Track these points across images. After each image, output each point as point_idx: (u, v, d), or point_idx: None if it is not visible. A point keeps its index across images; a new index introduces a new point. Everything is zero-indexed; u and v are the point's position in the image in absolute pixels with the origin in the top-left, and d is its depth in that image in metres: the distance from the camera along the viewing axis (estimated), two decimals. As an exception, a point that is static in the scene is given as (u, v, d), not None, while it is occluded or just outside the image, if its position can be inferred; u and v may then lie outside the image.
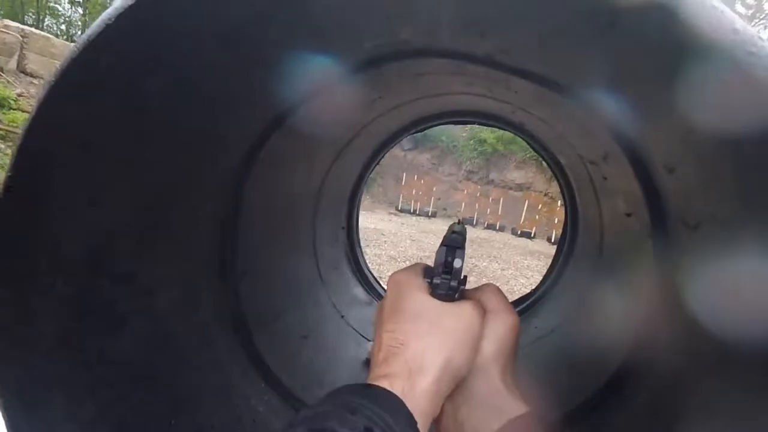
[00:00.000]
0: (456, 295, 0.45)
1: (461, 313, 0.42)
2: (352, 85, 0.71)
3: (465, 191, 11.46)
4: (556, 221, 9.63)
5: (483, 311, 0.43)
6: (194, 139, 0.61)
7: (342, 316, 1.06)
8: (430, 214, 11.31)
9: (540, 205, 10.25)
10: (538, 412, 0.41)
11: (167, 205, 0.61)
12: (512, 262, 7.63)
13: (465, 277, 0.47)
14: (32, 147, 0.40)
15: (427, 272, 0.48)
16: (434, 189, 11.51)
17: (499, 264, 7.32)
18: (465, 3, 0.43)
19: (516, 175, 11.80)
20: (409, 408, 0.33)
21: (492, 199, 11.01)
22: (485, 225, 10.68)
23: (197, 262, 0.69)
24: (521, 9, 0.44)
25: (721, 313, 0.43)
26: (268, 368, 0.72)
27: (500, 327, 0.43)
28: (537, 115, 0.86)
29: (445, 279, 0.45)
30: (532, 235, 10.04)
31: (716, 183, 0.41)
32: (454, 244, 0.48)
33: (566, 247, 1.12)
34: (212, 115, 0.62)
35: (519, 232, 10.20)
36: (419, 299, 0.43)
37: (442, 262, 0.47)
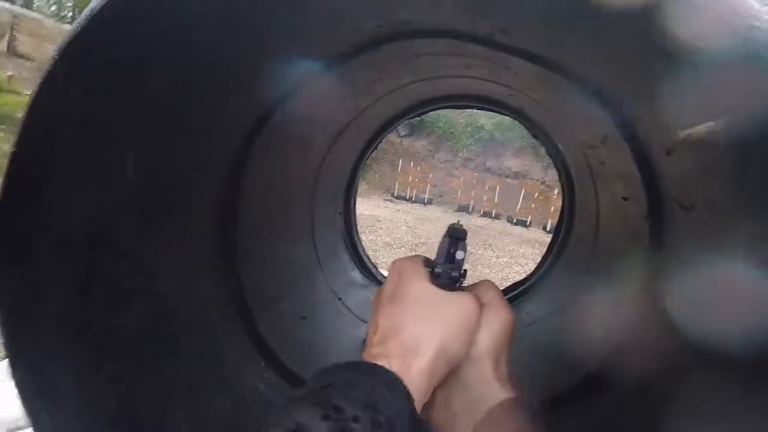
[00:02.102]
0: (456, 285, 0.46)
1: (459, 302, 0.42)
2: (350, 67, 0.71)
3: (461, 178, 11.44)
4: (552, 210, 9.66)
5: (480, 304, 0.44)
6: (194, 121, 0.61)
7: (339, 299, 1.07)
8: (426, 201, 11.29)
9: (536, 194, 10.26)
10: (522, 400, 0.42)
11: (168, 187, 0.62)
12: (507, 250, 7.67)
13: (465, 271, 0.48)
14: (35, 124, 0.40)
15: (429, 263, 0.48)
16: (430, 176, 11.47)
17: (494, 252, 7.36)
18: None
19: (513, 163, 11.80)
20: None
21: (488, 187, 11.01)
22: (481, 213, 10.70)
23: (199, 244, 0.69)
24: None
25: (710, 306, 0.44)
26: (269, 348, 0.73)
27: (496, 321, 0.44)
28: (536, 98, 0.86)
29: (446, 269, 0.46)
30: (528, 223, 10.08)
31: (712, 167, 0.41)
32: (457, 235, 0.49)
33: (562, 234, 1.13)
34: (212, 98, 0.62)
35: (515, 220, 10.23)
36: (420, 285, 0.43)
37: (444, 252, 0.47)
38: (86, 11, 0.38)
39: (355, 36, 0.62)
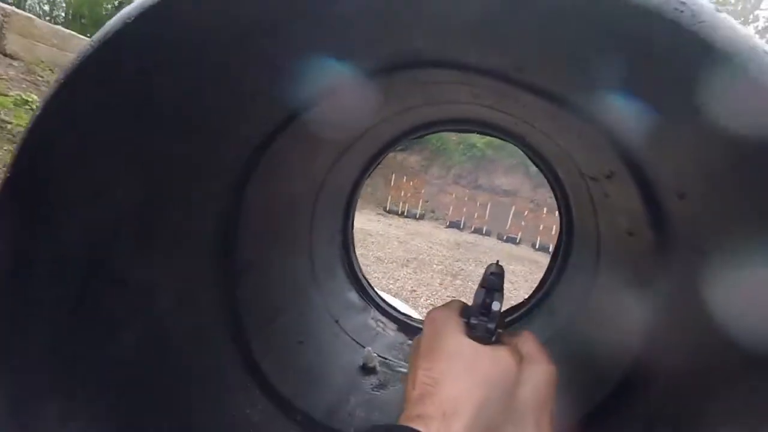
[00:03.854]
0: (493, 338, 0.44)
1: (498, 356, 0.41)
2: (361, 90, 0.71)
3: (453, 194, 11.51)
4: (540, 228, 9.75)
5: (519, 357, 0.42)
6: (200, 136, 0.60)
7: (336, 321, 1.05)
8: (417, 216, 11.33)
9: (526, 212, 10.36)
10: None
11: (169, 202, 0.60)
12: (498, 267, 7.69)
13: (503, 319, 0.46)
14: (38, 138, 0.39)
15: (465, 311, 0.47)
16: (423, 191, 11.53)
17: (483, 268, 7.37)
18: (490, 22, 0.42)
19: (504, 181, 11.92)
20: None
21: (479, 204, 11.08)
22: (472, 229, 10.75)
23: (197, 261, 0.67)
24: (545, 29, 0.44)
25: (729, 328, 0.43)
26: (264, 375, 0.71)
27: (537, 375, 0.42)
28: (541, 128, 0.87)
29: (482, 320, 0.44)
30: (518, 240, 10.15)
31: (730, 209, 0.41)
32: (493, 286, 0.48)
33: (560, 258, 1.13)
34: (220, 114, 0.61)
35: (505, 237, 10.30)
36: (456, 339, 0.42)
37: (480, 303, 0.46)
38: (102, 31, 0.37)
39: (367, 62, 0.61)
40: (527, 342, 0.45)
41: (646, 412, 0.57)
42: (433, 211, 11.92)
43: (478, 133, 1.21)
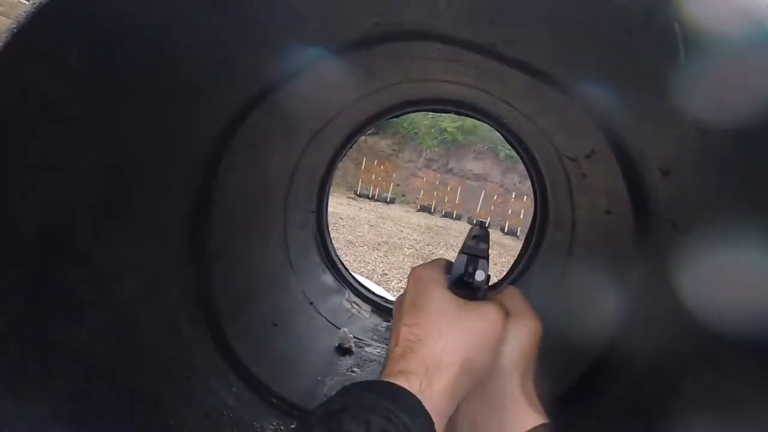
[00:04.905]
0: (479, 294, 0.42)
1: (483, 312, 0.40)
2: (341, 64, 0.67)
3: (424, 179, 11.57)
4: (509, 212, 9.96)
5: (505, 313, 0.41)
6: (171, 110, 0.55)
7: (311, 303, 1.03)
8: (388, 200, 11.33)
9: (495, 196, 10.54)
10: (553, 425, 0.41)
11: (136, 179, 0.55)
12: (467, 250, 7.81)
13: (488, 276, 0.44)
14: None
15: (449, 269, 0.44)
16: (393, 175, 11.52)
17: (455, 252, 7.45)
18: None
19: (474, 165, 12.05)
20: (426, 407, 0.32)
21: (450, 188, 11.19)
22: (443, 213, 10.86)
23: (166, 243, 0.63)
24: (538, 3, 0.42)
25: (707, 310, 0.44)
26: (238, 358, 0.68)
27: (522, 331, 0.42)
28: (521, 108, 0.86)
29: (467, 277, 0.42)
30: (487, 224, 10.32)
31: (718, 187, 0.41)
32: (475, 252, 0.43)
33: (534, 239, 1.14)
34: (192, 85, 0.56)
35: (474, 221, 10.46)
36: (440, 295, 0.41)
37: (461, 273, 0.42)
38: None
39: (350, 32, 0.58)
40: (513, 298, 0.45)
41: (621, 391, 0.58)
42: (403, 195, 11.96)
43: (454, 113, 1.19)
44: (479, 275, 0.41)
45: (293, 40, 0.54)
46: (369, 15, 0.53)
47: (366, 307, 1.21)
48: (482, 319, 0.39)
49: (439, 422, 0.33)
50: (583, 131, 0.68)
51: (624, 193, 0.61)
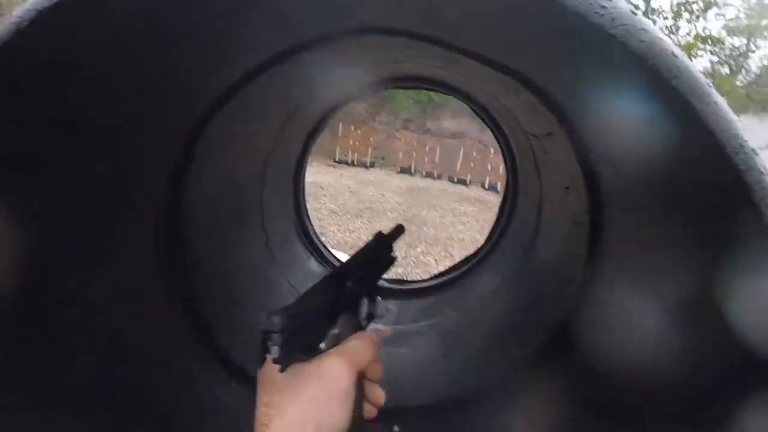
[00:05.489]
0: (316, 352, 0.40)
1: (319, 372, 0.39)
2: (302, 59, 0.68)
3: (402, 140, 11.48)
4: (489, 168, 10.04)
5: (352, 360, 0.40)
6: (127, 132, 0.55)
7: (293, 287, 1.07)
8: (368, 164, 11.25)
9: (474, 153, 10.57)
10: None
11: (105, 211, 0.56)
12: (450, 209, 7.91)
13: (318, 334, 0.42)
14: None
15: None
16: (371, 139, 11.39)
17: (438, 212, 7.57)
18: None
19: (451, 124, 11.99)
20: None
21: (429, 148, 11.15)
22: (423, 174, 10.88)
23: (144, 264, 0.65)
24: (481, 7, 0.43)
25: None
26: (234, 362, 0.72)
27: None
28: (485, 89, 0.88)
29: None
30: (468, 182, 10.41)
31: (649, 182, 0.45)
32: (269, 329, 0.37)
33: (506, 213, 1.18)
34: (147, 99, 0.56)
35: (455, 179, 10.53)
36: (266, 369, 0.39)
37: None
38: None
39: (310, 31, 0.58)
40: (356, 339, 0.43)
41: (580, 357, 0.64)
42: (383, 158, 11.89)
43: (427, 90, 1.20)
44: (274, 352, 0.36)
45: (249, 41, 0.54)
46: (327, 17, 0.53)
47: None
48: (319, 379, 0.38)
49: None
50: (540, 113, 0.70)
51: (579, 172, 0.65)
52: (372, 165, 11.34)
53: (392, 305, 1.22)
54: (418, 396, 0.78)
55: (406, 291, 1.26)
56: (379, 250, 0.58)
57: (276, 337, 0.35)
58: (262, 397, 0.38)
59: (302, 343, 0.39)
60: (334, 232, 5.93)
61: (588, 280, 0.69)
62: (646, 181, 0.45)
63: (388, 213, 7.23)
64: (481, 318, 0.97)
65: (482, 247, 1.30)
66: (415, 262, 5.15)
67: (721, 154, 0.24)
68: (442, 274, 1.30)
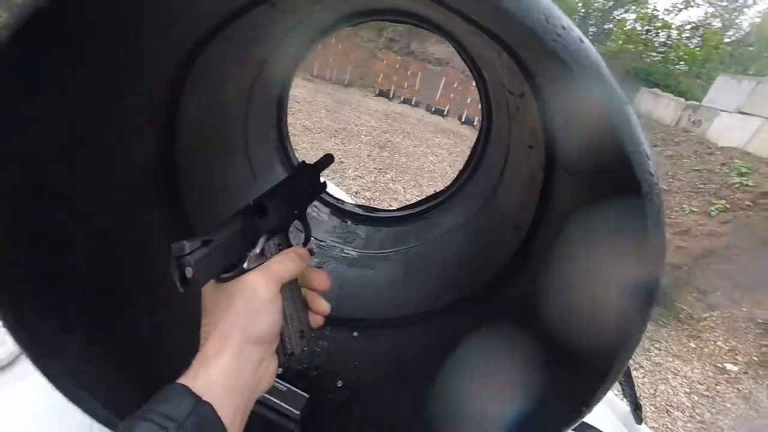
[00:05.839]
0: (241, 269, 0.47)
1: (243, 286, 0.45)
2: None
3: (384, 61, 11.02)
4: (468, 101, 9.93)
5: (272, 273, 0.47)
6: (126, 50, 0.58)
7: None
8: (346, 83, 10.86)
9: (456, 83, 10.35)
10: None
11: (102, 122, 0.61)
12: (424, 139, 7.93)
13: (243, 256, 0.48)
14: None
15: None
16: (352, 56, 10.87)
17: (412, 141, 7.59)
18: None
19: (436, 49, 11.53)
20: (199, 389, 0.37)
21: (410, 73, 10.80)
22: (402, 99, 10.64)
23: (139, 178, 0.71)
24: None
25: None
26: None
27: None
28: (469, 37, 0.91)
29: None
30: (445, 113, 10.31)
31: (585, 154, 0.54)
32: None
33: (477, 154, 1.27)
34: (147, 23, 0.59)
35: (433, 109, 10.40)
36: (207, 291, 0.46)
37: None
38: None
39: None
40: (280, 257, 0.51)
41: (521, 294, 0.77)
42: (362, 78, 11.46)
43: (411, 25, 1.20)
44: (188, 272, 0.41)
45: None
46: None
47: (325, 209, 1.34)
48: (243, 291, 0.44)
49: (226, 394, 0.39)
50: (515, 74, 0.76)
51: (540, 134, 0.73)
52: (350, 84, 10.95)
53: (361, 230, 1.33)
54: (380, 311, 0.91)
55: (375, 218, 1.37)
56: (303, 180, 0.62)
57: (187, 259, 0.40)
58: (203, 316, 0.45)
59: (220, 263, 0.44)
60: (306, 149, 5.90)
61: (537, 228, 0.81)
62: (584, 152, 0.54)
63: (363, 136, 7.19)
64: (440, 250, 1.09)
65: (450, 185, 1.40)
66: (384, 188, 5.27)
67: (623, 151, 0.33)
68: (410, 206, 1.40)
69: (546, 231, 0.78)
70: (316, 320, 0.56)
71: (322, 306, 0.56)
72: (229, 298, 0.44)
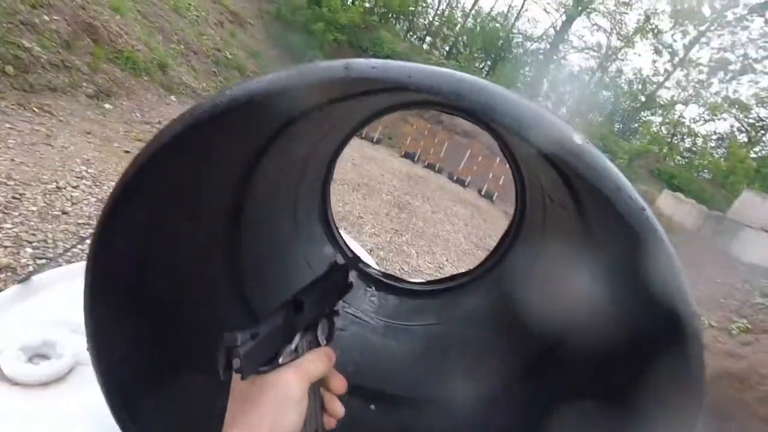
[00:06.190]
0: (273, 365, 0.48)
1: (275, 383, 0.46)
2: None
3: (414, 126, 11.52)
4: (490, 176, 10.20)
5: (304, 372, 0.49)
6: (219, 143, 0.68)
7: (309, 266, 1.20)
8: (375, 140, 11.30)
9: (480, 157, 10.70)
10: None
11: (196, 183, 0.69)
12: (443, 206, 8.08)
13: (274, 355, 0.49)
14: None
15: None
16: (384, 118, 11.39)
17: (430, 206, 7.73)
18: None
19: (464, 122, 12.03)
20: None
21: (437, 140, 11.23)
22: (426, 163, 10.98)
23: (214, 219, 0.78)
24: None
25: None
26: (252, 311, 0.86)
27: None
28: (512, 139, 1.00)
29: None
30: (466, 183, 10.57)
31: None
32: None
33: (507, 244, 1.32)
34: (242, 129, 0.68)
35: (455, 178, 10.68)
36: (237, 385, 0.47)
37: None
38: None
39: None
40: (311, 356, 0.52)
41: (573, 375, 0.76)
42: (390, 138, 11.94)
43: (449, 113, 1.29)
44: (236, 363, 0.43)
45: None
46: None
47: (352, 272, 1.39)
48: (276, 387, 0.46)
49: None
50: (560, 189, 0.83)
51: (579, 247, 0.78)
52: (378, 141, 11.39)
53: (384, 298, 1.37)
54: (398, 385, 0.93)
55: (397, 288, 1.41)
56: (334, 279, 0.67)
57: (236, 351, 0.43)
58: (230, 403, 0.46)
59: (261, 357, 0.46)
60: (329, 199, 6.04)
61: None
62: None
63: (384, 194, 7.36)
64: (462, 332, 1.12)
65: (474, 269, 1.44)
66: (397, 250, 5.32)
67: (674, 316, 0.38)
68: (433, 282, 1.44)
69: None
70: (330, 422, 0.57)
71: (338, 409, 0.57)
72: (261, 391, 0.45)
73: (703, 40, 16.13)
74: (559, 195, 0.87)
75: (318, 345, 0.57)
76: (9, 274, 2.11)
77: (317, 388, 0.55)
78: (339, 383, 0.58)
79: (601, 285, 0.69)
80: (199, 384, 0.66)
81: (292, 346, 0.51)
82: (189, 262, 0.71)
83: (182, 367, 0.70)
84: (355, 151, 9.58)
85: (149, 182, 0.49)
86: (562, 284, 0.90)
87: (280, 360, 0.49)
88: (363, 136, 11.25)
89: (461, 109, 0.44)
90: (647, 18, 16.51)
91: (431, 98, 1.01)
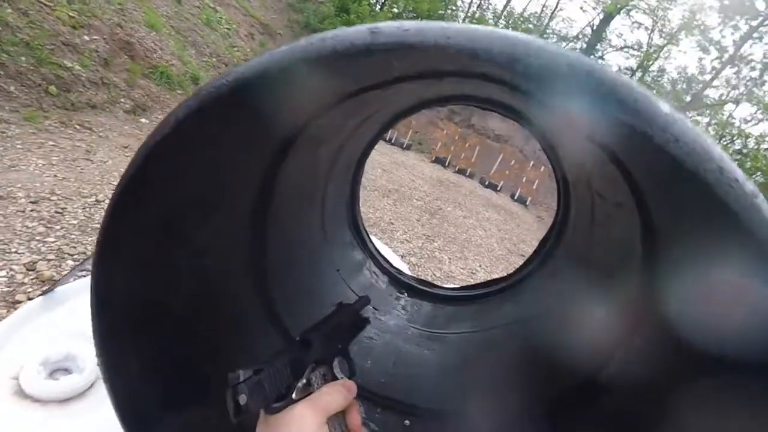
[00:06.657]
0: (289, 401, 0.49)
1: (290, 418, 0.47)
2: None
3: (444, 131, 11.40)
4: (524, 180, 9.94)
5: (319, 407, 0.49)
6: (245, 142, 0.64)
7: (338, 271, 1.16)
8: (405, 146, 11.24)
9: (513, 161, 10.45)
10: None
11: (221, 188, 0.65)
12: (475, 211, 7.92)
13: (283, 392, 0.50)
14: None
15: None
16: (413, 122, 11.33)
17: (462, 211, 7.59)
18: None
19: (497, 126, 11.83)
20: None
21: (468, 145, 11.06)
22: (457, 168, 10.83)
23: (238, 226, 0.74)
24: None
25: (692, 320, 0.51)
26: (284, 325, 0.81)
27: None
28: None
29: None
30: (498, 188, 10.34)
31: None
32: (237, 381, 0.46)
33: (546, 249, 1.23)
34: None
35: (487, 183, 10.47)
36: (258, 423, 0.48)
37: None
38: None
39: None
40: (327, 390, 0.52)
41: (610, 404, 0.68)
42: (420, 144, 11.87)
43: (485, 110, 1.22)
44: (242, 399, 0.44)
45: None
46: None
47: (383, 278, 1.33)
48: (290, 423, 0.46)
49: None
50: (614, 182, 0.74)
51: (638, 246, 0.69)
52: (408, 147, 11.34)
53: (418, 305, 1.30)
54: (434, 399, 0.86)
55: (431, 294, 1.34)
56: (343, 317, 0.67)
57: (241, 386, 0.44)
58: None
59: (270, 392, 0.47)
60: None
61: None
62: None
63: (415, 200, 7.28)
64: (502, 342, 1.04)
65: (510, 276, 1.35)
66: (429, 256, 5.23)
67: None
68: (467, 287, 1.36)
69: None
70: None
71: None
72: (276, 428, 0.46)
73: (756, 35, 15.18)
74: (612, 190, 0.78)
75: (334, 378, 0.57)
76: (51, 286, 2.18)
77: (341, 419, 0.54)
78: (356, 417, 0.56)
79: (668, 295, 0.60)
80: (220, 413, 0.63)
81: (304, 380, 0.52)
82: (208, 268, 0.67)
83: (202, 393, 0.66)
84: (384, 156, 9.57)
85: (157, 177, 0.45)
86: (613, 293, 0.81)
87: (294, 395, 0.49)
88: (393, 141, 11.23)
89: (511, 80, 0.37)
90: (692, 14, 15.73)
91: (466, 84, 0.95)
